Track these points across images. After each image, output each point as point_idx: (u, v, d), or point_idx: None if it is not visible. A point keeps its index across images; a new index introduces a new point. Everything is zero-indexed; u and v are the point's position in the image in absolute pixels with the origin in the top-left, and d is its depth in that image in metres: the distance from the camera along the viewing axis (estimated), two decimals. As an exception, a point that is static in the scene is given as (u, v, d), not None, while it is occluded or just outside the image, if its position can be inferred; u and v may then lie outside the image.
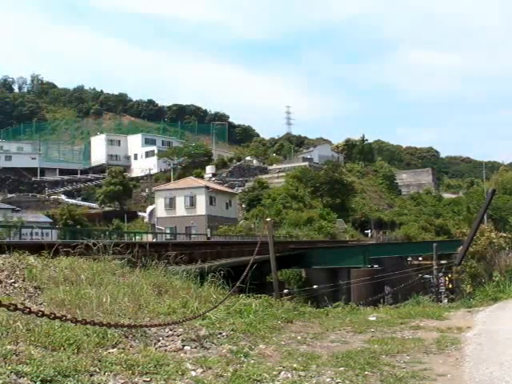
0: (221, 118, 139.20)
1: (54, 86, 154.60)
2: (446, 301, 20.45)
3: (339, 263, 34.16)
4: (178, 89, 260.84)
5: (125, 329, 5.58)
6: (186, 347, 5.80)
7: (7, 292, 6.63)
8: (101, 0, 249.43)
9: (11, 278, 7.13)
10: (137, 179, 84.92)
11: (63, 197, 78.38)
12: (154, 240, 31.90)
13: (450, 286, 24.14)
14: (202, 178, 72.82)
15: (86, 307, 6.15)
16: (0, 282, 6.88)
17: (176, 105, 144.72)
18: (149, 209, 65.05)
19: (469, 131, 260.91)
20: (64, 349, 4.71)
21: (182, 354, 5.49)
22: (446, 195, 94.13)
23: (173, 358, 5.22)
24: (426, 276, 29.03)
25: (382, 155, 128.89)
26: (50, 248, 8.76)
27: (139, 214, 70.64)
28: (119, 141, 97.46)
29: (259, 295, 9.94)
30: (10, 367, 3.96)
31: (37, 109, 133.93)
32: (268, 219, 16.92)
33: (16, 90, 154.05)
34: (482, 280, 15.12)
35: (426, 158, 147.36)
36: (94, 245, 8.94)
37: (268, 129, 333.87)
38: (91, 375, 4.22)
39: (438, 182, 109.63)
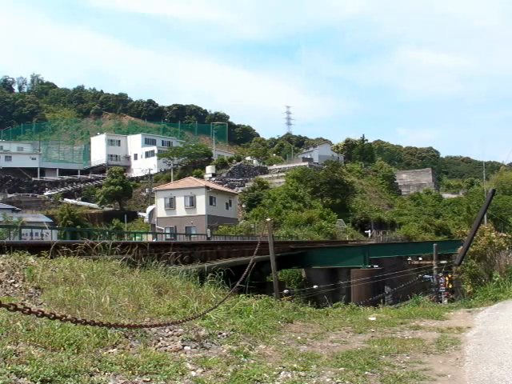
0: (221, 118, 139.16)
1: (54, 86, 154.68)
2: (445, 301, 20.47)
3: (339, 263, 34.12)
4: (178, 89, 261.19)
5: (125, 329, 5.58)
6: (186, 347, 5.80)
7: (7, 292, 6.63)
8: (101, 0, 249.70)
9: (11, 278, 7.13)
10: (137, 179, 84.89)
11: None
12: (154, 240, 31.88)
13: (450, 285, 24.17)
14: (202, 178, 72.77)
15: (86, 307, 6.15)
16: (0, 282, 6.88)
17: (176, 105, 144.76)
18: (149, 209, 64.94)
19: (469, 131, 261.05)
20: (64, 349, 4.71)
21: (182, 354, 5.49)
22: (446, 195, 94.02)
23: (173, 358, 5.22)
24: (425, 276, 29.04)
25: (382, 155, 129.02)
26: (50, 248, 8.76)
27: (139, 214, 70.59)
28: (119, 141, 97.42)
29: (259, 295, 9.95)
30: (10, 367, 3.95)
31: (37, 109, 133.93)
32: (268, 219, 16.94)
33: (16, 90, 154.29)
34: (482, 280, 15.11)
35: (426, 158, 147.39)
36: (92, 245, 8.94)
37: (268, 129, 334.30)
38: (91, 375, 4.22)
39: (438, 182, 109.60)
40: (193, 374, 4.78)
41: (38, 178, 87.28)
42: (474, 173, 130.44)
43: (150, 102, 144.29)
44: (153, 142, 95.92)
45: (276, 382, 4.83)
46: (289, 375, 5.09)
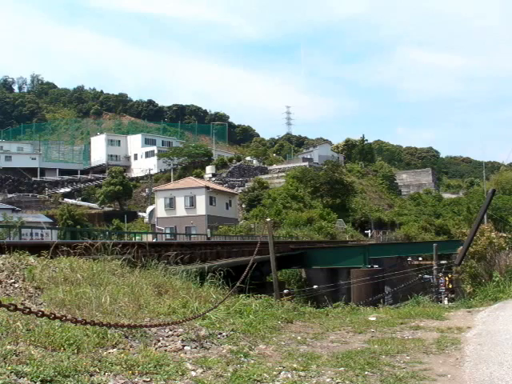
0: (221, 118, 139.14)
1: (54, 86, 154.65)
2: (446, 301, 20.46)
3: (339, 263, 34.11)
4: (178, 89, 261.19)
5: (125, 329, 5.58)
6: (186, 347, 5.80)
7: (7, 292, 6.63)
8: (101, 0, 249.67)
9: (11, 278, 7.13)
10: (137, 179, 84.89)
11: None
12: (154, 240, 31.88)
13: (450, 286, 24.14)
14: (202, 178, 72.76)
15: (86, 307, 6.15)
16: (0, 282, 6.88)
17: (176, 105, 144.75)
18: (149, 209, 64.94)
19: (469, 131, 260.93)
20: (64, 349, 4.71)
21: (182, 354, 5.49)
22: (446, 195, 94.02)
23: (173, 358, 5.22)
24: (426, 276, 29.02)
25: (381, 155, 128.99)
26: (49, 248, 8.76)
27: (139, 214, 70.60)
28: (119, 141, 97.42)
29: (259, 295, 9.95)
30: (10, 367, 3.95)
31: (37, 109, 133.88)
32: (268, 219, 16.95)
33: (16, 90, 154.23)
34: (482, 280, 15.11)
35: (426, 158, 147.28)
36: (92, 245, 8.94)
37: (268, 129, 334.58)
38: (91, 375, 4.22)
39: (437, 182, 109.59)
40: (193, 373, 4.78)
41: (38, 178, 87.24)
42: (474, 173, 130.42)
43: (150, 102, 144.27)
44: (153, 142, 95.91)
45: (276, 382, 4.83)
46: (289, 375, 5.09)
